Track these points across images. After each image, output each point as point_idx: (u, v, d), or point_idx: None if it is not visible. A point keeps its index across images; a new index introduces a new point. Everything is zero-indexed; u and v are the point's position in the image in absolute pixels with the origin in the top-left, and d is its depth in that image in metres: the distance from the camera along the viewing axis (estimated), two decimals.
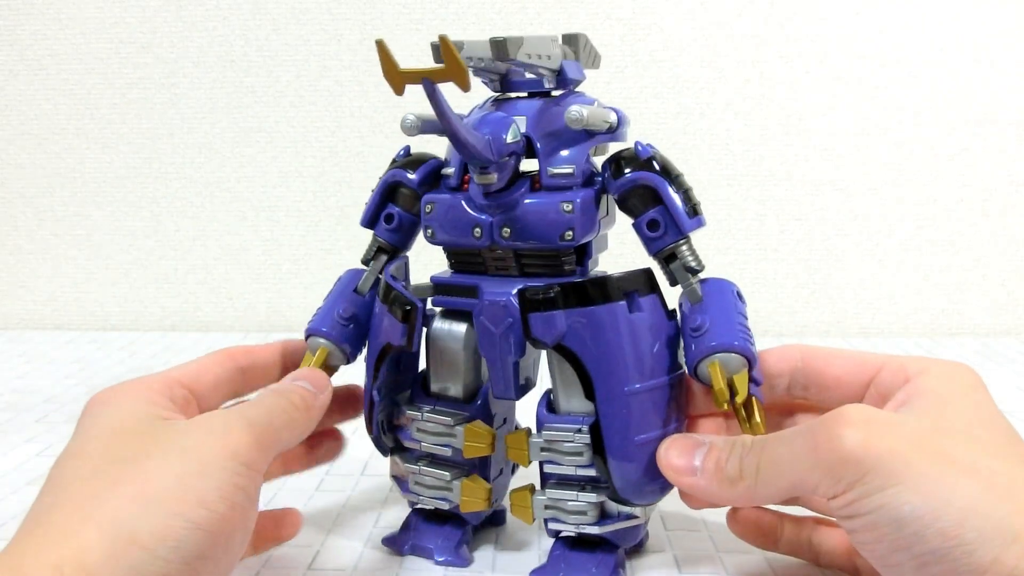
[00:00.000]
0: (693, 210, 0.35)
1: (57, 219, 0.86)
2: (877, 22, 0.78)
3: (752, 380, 0.34)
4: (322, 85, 0.82)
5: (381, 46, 0.27)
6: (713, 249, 0.82)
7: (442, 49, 0.27)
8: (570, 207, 0.35)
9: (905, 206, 0.82)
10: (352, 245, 0.84)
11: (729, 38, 0.79)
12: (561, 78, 0.37)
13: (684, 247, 0.36)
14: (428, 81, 0.28)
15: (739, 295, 0.36)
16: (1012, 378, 0.68)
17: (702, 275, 0.36)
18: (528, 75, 0.37)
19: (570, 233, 0.35)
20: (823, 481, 0.29)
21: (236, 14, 0.81)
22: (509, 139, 0.34)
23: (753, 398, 0.34)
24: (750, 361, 0.34)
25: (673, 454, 0.34)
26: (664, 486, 0.36)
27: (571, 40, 0.37)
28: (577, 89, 0.38)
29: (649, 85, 0.80)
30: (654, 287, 0.36)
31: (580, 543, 0.38)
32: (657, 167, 0.35)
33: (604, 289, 0.34)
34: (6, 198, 0.86)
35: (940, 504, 0.26)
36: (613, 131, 0.37)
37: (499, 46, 0.33)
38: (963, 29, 0.78)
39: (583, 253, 0.37)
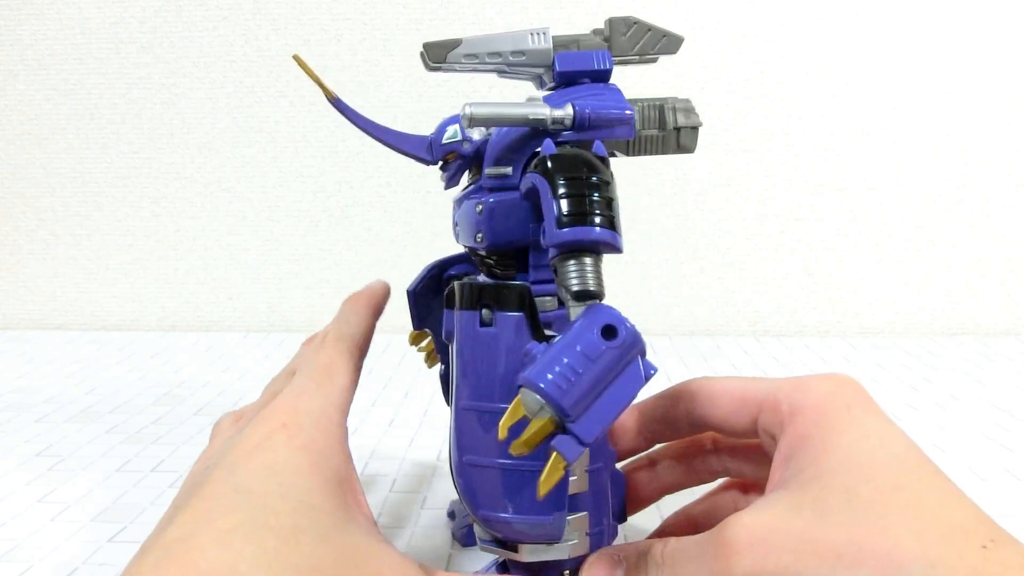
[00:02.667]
0: (578, 219, 0.29)
1: (57, 219, 0.86)
2: (877, 22, 0.78)
3: (566, 431, 0.28)
4: None
5: (298, 60, 0.29)
6: (713, 249, 0.82)
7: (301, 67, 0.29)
8: (480, 209, 0.33)
9: (905, 206, 0.82)
10: (352, 245, 0.84)
11: (729, 38, 0.79)
12: (557, 72, 0.34)
13: (568, 262, 0.29)
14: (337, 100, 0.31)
15: (607, 334, 0.28)
16: (1012, 378, 0.68)
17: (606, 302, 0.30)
18: (518, 73, 0.35)
19: (480, 236, 0.33)
20: None
21: (236, 14, 0.81)
22: (444, 140, 0.34)
23: (555, 456, 0.28)
24: (560, 411, 0.27)
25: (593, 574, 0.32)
26: (520, 530, 0.32)
27: (612, 25, 0.35)
28: (611, 81, 0.35)
29: (649, 85, 0.80)
30: (522, 306, 0.31)
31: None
32: (549, 166, 0.30)
33: (463, 295, 0.32)
34: (6, 198, 0.86)
35: None
36: (569, 128, 0.32)
37: (423, 56, 0.33)
38: (963, 29, 0.78)
39: (524, 258, 0.34)
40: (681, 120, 0.34)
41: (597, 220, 0.29)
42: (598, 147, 0.32)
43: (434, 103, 0.80)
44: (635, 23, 0.33)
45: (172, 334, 0.85)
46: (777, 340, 0.81)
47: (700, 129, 0.35)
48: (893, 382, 0.68)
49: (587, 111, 0.32)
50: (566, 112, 0.32)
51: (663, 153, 0.35)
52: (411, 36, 0.80)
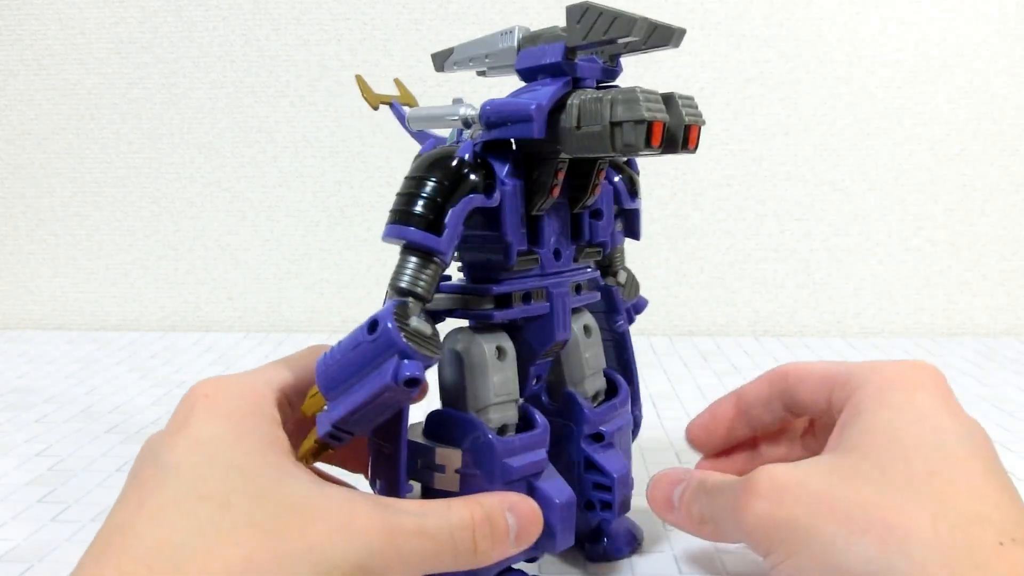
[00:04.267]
0: (397, 217, 0.31)
1: (57, 219, 0.86)
2: (877, 22, 0.78)
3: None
4: (322, 85, 0.82)
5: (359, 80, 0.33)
6: (713, 249, 0.82)
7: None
8: None
9: (905, 206, 0.82)
10: (352, 245, 0.84)
11: (729, 38, 0.79)
12: (516, 70, 0.34)
13: (399, 256, 0.32)
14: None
15: (371, 327, 0.30)
16: (1012, 378, 0.68)
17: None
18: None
19: None
20: (747, 542, 0.31)
21: (236, 14, 0.81)
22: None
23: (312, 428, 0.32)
24: (320, 388, 0.31)
25: (658, 488, 0.35)
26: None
27: (568, 13, 0.31)
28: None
29: (649, 85, 0.80)
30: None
31: None
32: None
33: None
34: (6, 198, 0.86)
35: (833, 570, 0.27)
36: (469, 126, 0.34)
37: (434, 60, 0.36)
38: (963, 29, 0.78)
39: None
40: (620, 113, 0.30)
41: (414, 220, 0.30)
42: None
43: (434, 103, 0.80)
44: (587, 8, 0.30)
45: (172, 334, 0.85)
46: (777, 340, 0.81)
47: (701, 128, 0.33)
48: None
49: (487, 108, 0.32)
50: (475, 112, 0.33)
51: (609, 152, 0.31)
52: (411, 36, 0.80)
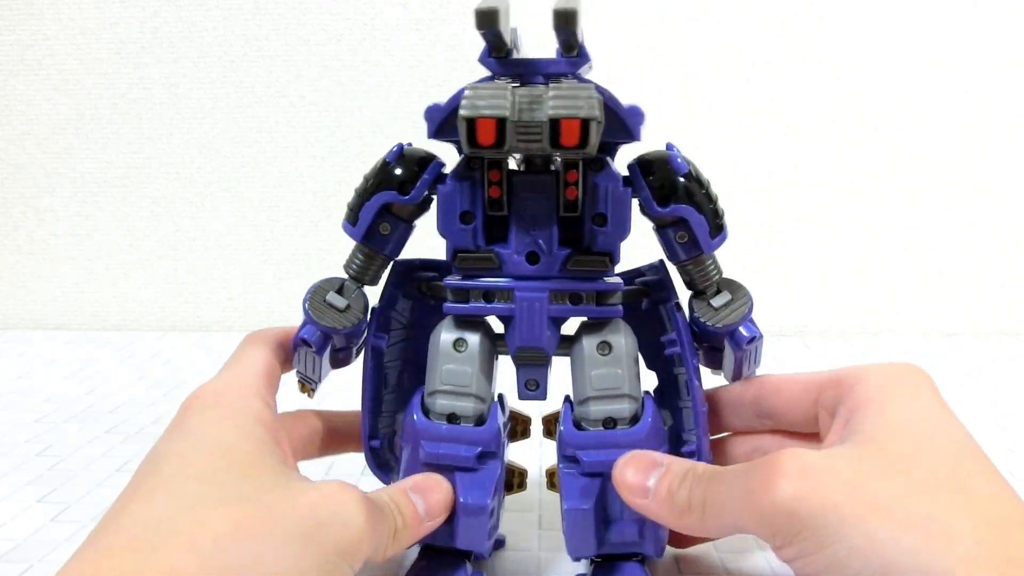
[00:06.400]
0: (347, 215, 0.37)
1: (57, 219, 0.86)
2: (878, 22, 0.78)
3: None
4: (322, 85, 0.82)
5: None
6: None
7: None
8: None
9: (905, 206, 0.81)
10: (352, 245, 0.84)
11: (729, 38, 0.79)
12: None
13: None
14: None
15: None
16: (1012, 378, 0.68)
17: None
18: None
19: None
20: (759, 529, 0.29)
21: (236, 14, 0.81)
22: None
23: None
24: None
25: (629, 471, 0.32)
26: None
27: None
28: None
29: (650, 84, 0.80)
30: None
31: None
32: None
33: None
34: (6, 198, 0.86)
35: (880, 567, 0.25)
36: None
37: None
38: (964, 29, 0.78)
39: None
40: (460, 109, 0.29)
41: (347, 215, 0.37)
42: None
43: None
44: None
45: (172, 334, 0.85)
46: (777, 340, 0.81)
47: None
48: None
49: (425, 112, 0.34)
50: None
51: (547, 151, 0.30)
52: (411, 36, 0.80)
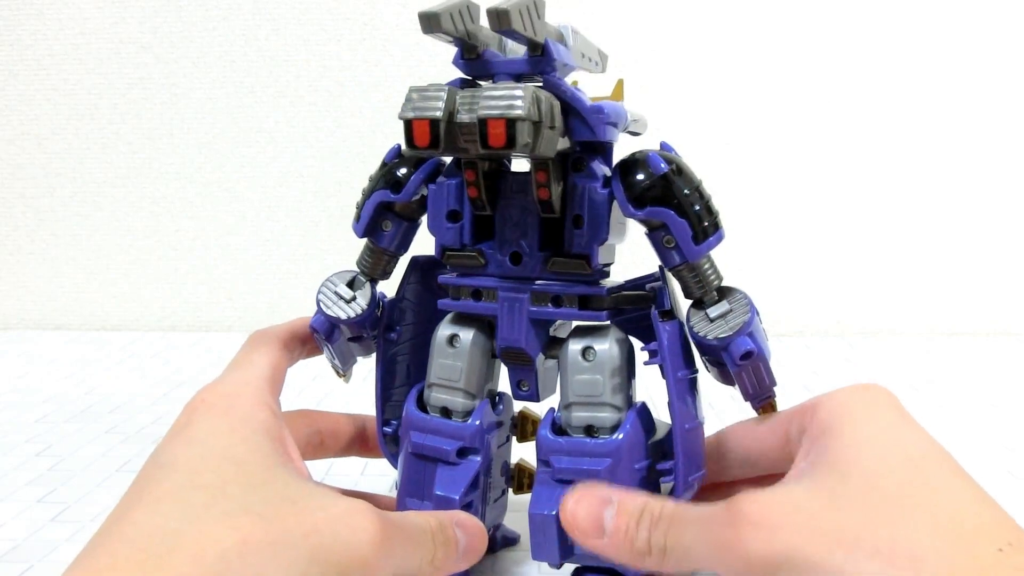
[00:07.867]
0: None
1: (57, 219, 0.86)
2: (878, 22, 0.78)
3: None
4: (322, 85, 0.82)
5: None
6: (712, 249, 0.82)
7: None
8: None
9: (906, 206, 0.82)
10: (352, 245, 0.84)
11: (729, 38, 0.79)
12: None
13: None
14: None
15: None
16: (1012, 378, 0.68)
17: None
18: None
19: None
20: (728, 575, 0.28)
21: (236, 14, 0.81)
22: None
23: None
24: None
25: (581, 507, 0.31)
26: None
27: None
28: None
29: (650, 85, 0.80)
30: None
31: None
32: None
33: None
34: (6, 198, 0.86)
35: None
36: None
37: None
38: (964, 29, 0.78)
39: None
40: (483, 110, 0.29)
41: (356, 213, 0.38)
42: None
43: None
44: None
45: (172, 334, 0.85)
46: (777, 340, 0.80)
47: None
48: (893, 382, 0.68)
49: None
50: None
51: (480, 153, 0.29)
52: (411, 36, 0.80)
